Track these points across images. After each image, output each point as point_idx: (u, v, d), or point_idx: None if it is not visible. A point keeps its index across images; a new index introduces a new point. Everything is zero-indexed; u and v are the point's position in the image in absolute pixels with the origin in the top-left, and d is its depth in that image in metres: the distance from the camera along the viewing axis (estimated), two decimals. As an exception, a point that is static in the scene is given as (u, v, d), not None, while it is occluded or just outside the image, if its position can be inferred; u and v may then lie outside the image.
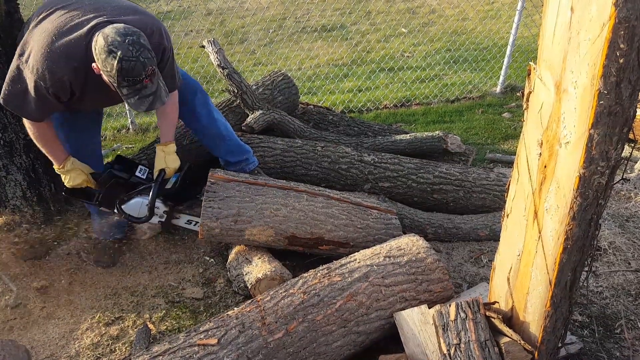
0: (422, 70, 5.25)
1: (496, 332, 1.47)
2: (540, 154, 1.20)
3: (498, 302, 1.56)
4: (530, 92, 1.26)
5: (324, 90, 4.75)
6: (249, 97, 2.86)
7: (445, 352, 1.44)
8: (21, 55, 1.75)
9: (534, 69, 1.23)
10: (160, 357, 1.48)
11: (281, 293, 1.70)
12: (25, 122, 1.91)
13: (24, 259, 2.39)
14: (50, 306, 2.16)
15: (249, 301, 1.70)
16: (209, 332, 1.56)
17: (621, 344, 1.88)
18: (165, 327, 2.06)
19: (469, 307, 1.46)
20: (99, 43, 1.64)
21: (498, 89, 4.69)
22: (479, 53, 5.59)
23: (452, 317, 1.46)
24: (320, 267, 1.84)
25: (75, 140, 2.14)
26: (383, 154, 2.75)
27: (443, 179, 2.66)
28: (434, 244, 2.51)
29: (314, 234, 2.10)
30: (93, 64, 1.70)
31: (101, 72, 1.69)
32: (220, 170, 2.24)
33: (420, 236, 2.00)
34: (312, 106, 3.37)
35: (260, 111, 2.84)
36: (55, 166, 2.06)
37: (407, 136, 3.07)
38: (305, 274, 1.82)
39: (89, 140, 2.23)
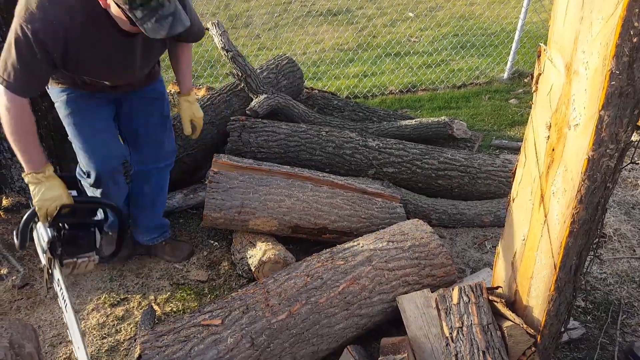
0: (429, 55, 5.19)
1: (499, 316, 1.47)
2: (549, 136, 1.18)
3: (501, 287, 1.56)
4: (539, 74, 1.24)
5: (329, 75, 4.70)
6: (253, 81, 2.84)
7: (447, 335, 1.45)
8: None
9: (544, 50, 1.21)
10: (165, 336, 1.50)
11: (285, 276, 1.71)
12: (1, 105, 1.50)
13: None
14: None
15: (253, 283, 1.71)
16: (213, 313, 1.57)
17: (624, 330, 1.88)
18: (170, 308, 2.08)
19: (472, 290, 1.46)
20: None
21: (505, 75, 4.63)
22: (486, 38, 5.51)
23: (455, 300, 1.46)
24: (324, 251, 1.85)
25: (90, 136, 1.83)
26: (388, 139, 2.74)
27: (448, 165, 2.64)
28: (438, 230, 2.51)
29: (317, 225, 2.11)
30: None
31: None
32: (225, 155, 2.23)
33: (425, 222, 2.00)
34: (316, 91, 3.34)
35: (265, 95, 2.82)
36: (28, 173, 1.56)
37: (413, 122, 3.04)
38: (309, 258, 1.82)
39: (107, 139, 1.90)
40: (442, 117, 3.04)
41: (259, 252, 2.06)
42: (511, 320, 1.41)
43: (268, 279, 1.71)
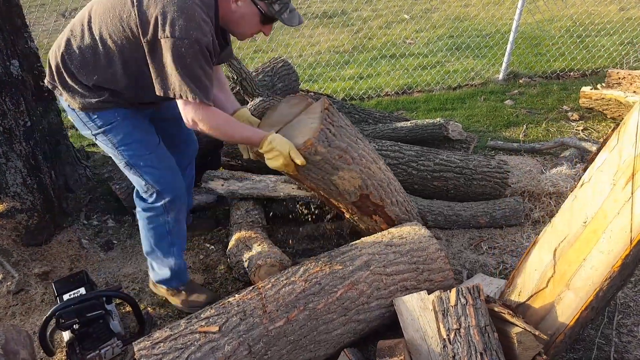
0: (424, 57, 5.20)
1: (505, 322, 1.49)
2: None
3: (517, 287, 1.62)
4: None
5: (325, 77, 4.70)
6: (248, 84, 2.83)
7: (444, 337, 1.45)
8: (154, 37, 1.48)
9: None
10: (162, 343, 1.49)
11: (282, 281, 1.70)
12: (201, 117, 1.55)
13: (25, 245, 2.40)
14: (52, 292, 2.17)
15: (250, 288, 1.70)
16: (210, 320, 1.56)
17: (620, 330, 1.89)
18: (166, 313, 2.07)
19: (470, 292, 1.46)
20: None
21: (500, 76, 4.65)
22: (481, 40, 5.53)
23: (453, 302, 1.47)
24: (322, 255, 1.84)
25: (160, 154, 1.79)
26: (384, 141, 2.74)
27: (444, 167, 2.65)
28: (434, 231, 2.51)
29: (382, 201, 1.96)
30: None
31: None
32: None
33: (422, 224, 2.00)
34: (312, 93, 3.34)
35: (260, 98, 2.82)
36: (261, 145, 1.64)
37: (408, 123, 3.05)
38: (306, 262, 1.81)
39: (168, 154, 1.86)
40: (438, 119, 3.05)
41: (255, 256, 2.05)
42: (520, 327, 1.42)
43: (266, 284, 1.70)
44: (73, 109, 1.68)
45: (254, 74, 3.00)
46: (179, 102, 1.56)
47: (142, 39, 1.50)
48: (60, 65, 1.62)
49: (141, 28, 1.49)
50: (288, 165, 1.62)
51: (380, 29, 6.13)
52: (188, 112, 1.56)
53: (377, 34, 5.97)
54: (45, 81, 1.71)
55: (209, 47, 1.51)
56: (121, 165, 1.77)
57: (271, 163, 1.63)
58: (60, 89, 1.66)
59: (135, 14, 1.49)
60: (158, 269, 2.00)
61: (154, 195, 1.80)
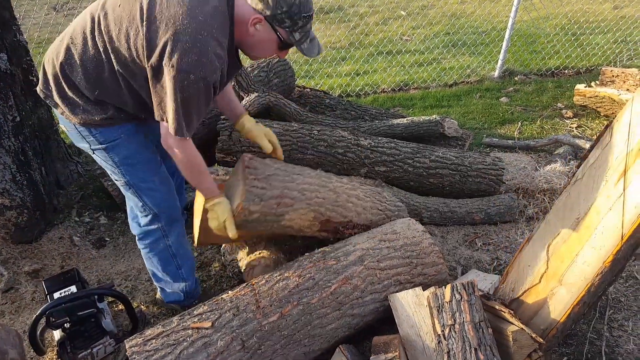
0: (421, 53, 5.19)
1: (501, 320, 1.49)
2: None
3: (511, 283, 1.61)
4: None
5: (322, 73, 4.69)
6: (243, 80, 2.81)
7: (439, 332, 1.44)
8: (159, 63, 1.37)
9: None
10: (154, 340, 1.47)
11: (276, 277, 1.69)
12: (177, 147, 1.48)
13: (14, 242, 2.37)
14: (42, 291, 2.14)
15: (244, 284, 1.68)
16: (203, 316, 1.55)
17: (611, 325, 1.89)
18: (159, 310, 2.05)
19: (464, 289, 1.46)
20: None
21: (496, 74, 4.65)
22: (477, 37, 5.53)
23: (447, 298, 1.46)
24: (316, 251, 1.83)
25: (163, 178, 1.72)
26: (380, 138, 2.73)
27: (439, 163, 2.64)
28: (429, 228, 2.51)
29: (346, 217, 1.90)
30: (253, 16, 1.42)
31: (261, 16, 1.42)
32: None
33: (416, 220, 1.99)
34: (308, 90, 3.32)
35: (256, 94, 2.80)
36: (207, 199, 1.61)
37: (404, 120, 3.04)
38: (300, 258, 1.80)
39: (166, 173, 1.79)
40: (434, 116, 3.04)
41: (250, 254, 2.04)
42: (516, 326, 1.43)
43: (259, 280, 1.69)
44: (70, 121, 1.54)
45: (249, 69, 2.98)
46: (164, 124, 1.48)
47: (146, 62, 1.39)
48: (60, 75, 1.49)
49: (147, 50, 1.37)
50: (220, 231, 1.61)
51: (376, 25, 6.11)
52: (169, 137, 1.48)
53: (373, 30, 5.95)
54: (38, 89, 1.57)
55: (215, 84, 1.44)
56: (119, 183, 1.68)
57: (209, 222, 1.63)
58: (57, 100, 1.52)
59: (143, 34, 1.36)
60: (170, 293, 1.95)
61: (150, 216, 1.73)
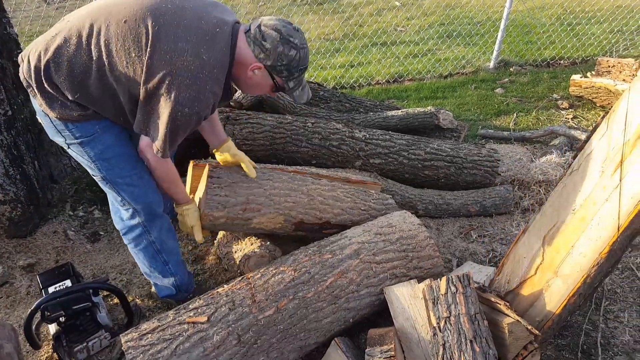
0: (415, 44, 5.17)
1: (497, 312, 1.49)
2: None
3: (506, 275, 1.61)
4: None
5: (315, 65, 4.66)
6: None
7: (435, 325, 1.45)
8: (155, 90, 1.40)
9: None
10: (149, 335, 1.47)
11: (272, 271, 1.69)
12: (156, 163, 1.57)
13: (8, 237, 2.35)
14: (37, 285, 2.13)
15: (239, 278, 1.68)
16: (199, 310, 1.54)
17: (607, 317, 1.91)
18: (154, 304, 2.05)
19: (460, 281, 1.46)
20: (269, 36, 1.46)
21: (491, 65, 4.64)
22: (472, 27, 5.50)
23: (443, 290, 1.47)
24: (311, 245, 1.83)
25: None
26: (374, 130, 2.72)
27: (434, 155, 2.64)
28: (425, 220, 2.51)
29: (321, 219, 1.97)
30: (254, 63, 1.49)
31: (261, 65, 1.50)
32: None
33: (411, 213, 1.99)
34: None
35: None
36: (178, 205, 1.72)
37: (399, 112, 3.03)
38: (296, 252, 1.80)
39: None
40: (429, 107, 3.03)
41: (244, 246, 2.03)
42: (512, 318, 1.43)
43: (255, 274, 1.69)
44: (47, 115, 1.52)
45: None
46: (144, 138, 1.52)
47: (142, 84, 1.40)
48: (42, 72, 1.45)
49: (146, 74, 1.39)
50: (191, 234, 1.75)
51: (371, 16, 6.07)
52: (148, 151, 1.54)
53: (367, 21, 5.91)
54: (20, 75, 1.54)
55: (206, 117, 1.54)
56: (97, 178, 1.67)
57: (180, 225, 1.77)
58: (36, 91, 1.50)
59: (145, 58, 1.38)
60: (162, 287, 1.96)
61: (130, 211, 1.72)
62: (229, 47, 1.46)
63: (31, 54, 1.49)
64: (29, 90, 1.54)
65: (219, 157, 1.86)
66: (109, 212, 2.67)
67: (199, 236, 1.73)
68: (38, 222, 2.46)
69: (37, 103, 1.53)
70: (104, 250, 2.39)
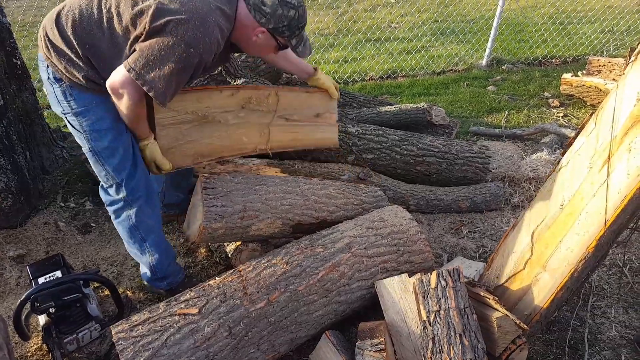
0: (409, 41, 5.18)
1: (486, 306, 1.51)
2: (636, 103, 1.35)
3: (496, 270, 1.63)
4: None
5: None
6: (231, 65, 2.77)
7: (424, 318, 1.47)
8: (162, 27, 1.45)
9: None
10: (140, 326, 1.46)
11: (263, 263, 1.69)
12: (127, 104, 1.56)
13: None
14: (27, 276, 2.11)
15: (231, 271, 1.68)
16: (190, 302, 1.55)
17: (594, 312, 1.94)
18: (145, 296, 2.05)
19: (450, 275, 1.48)
20: (267, 0, 1.58)
21: (484, 62, 4.67)
22: (465, 25, 5.52)
23: (433, 284, 1.48)
24: (303, 238, 1.84)
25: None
26: (367, 125, 2.73)
27: (426, 151, 2.66)
28: (416, 216, 2.53)
29: (318, 218, 1.97)
30: (257, 28, 1.60)
31: (264, 29, 1.61)
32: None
33: (403, 208, 2.01)
34: (296, 76, 3.29)
35: (243, 79, 2.76)
36: (145, 138, 1.74)
37: (392, 108, 3.04)
38: (288, 245, 1.81)
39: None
40: (421, 104, 3.05)
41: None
42: (500, 312, 1.45)
43: (247, 267, 1.69)
44: (59, 79, 1.59)
45: (236, 54, 2.93)
46: (122, 70, 1.49)
47: (148, 24, 1.44)
48: (55, 23, 1.55)
49: (152, 16, 1.44)
50: (153, 168, 1.78)
51: (365, 11, 6.06)
52: (124, 83, 1.50)
53: (362, 17, 5.91)
54: (41, 53, 1.61)
55: (206, 64, 1.58)
56: (85, 149, 1.71)
57: (145, 162, 1.77)
58: (47, 44, 1.57)
59: (154, 2, 1.45)
60: (142, 268, 1.96)
61: (114, 187, 1.74)
62: (234, 4, 1.58)
63: (47, 20, 1.60)
64: (41, 65, 1.62)
65: (312, 84, 2.17)
66: (101, 203, 2.65)
67: (166, 165, 1.76)
68: (29, 213, 2.44)
69: (45, 65, 1.61)
70: (95, 241, 2.37)
